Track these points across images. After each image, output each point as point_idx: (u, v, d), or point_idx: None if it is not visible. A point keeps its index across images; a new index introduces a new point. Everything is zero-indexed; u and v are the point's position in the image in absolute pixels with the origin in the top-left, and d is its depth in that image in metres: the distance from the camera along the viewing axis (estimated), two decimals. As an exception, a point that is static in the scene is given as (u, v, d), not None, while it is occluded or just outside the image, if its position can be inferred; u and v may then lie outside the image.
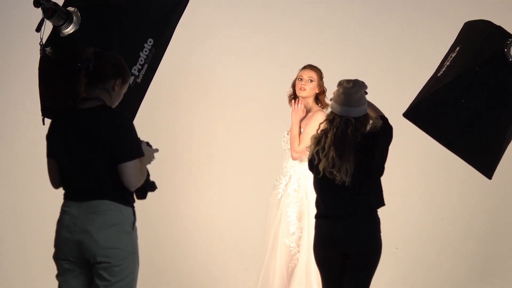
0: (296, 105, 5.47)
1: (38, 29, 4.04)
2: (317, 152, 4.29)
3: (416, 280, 6.88)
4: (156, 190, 3.86)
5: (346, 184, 4.21)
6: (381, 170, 4.34)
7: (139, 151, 3.70)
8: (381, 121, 4.32)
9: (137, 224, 3.79)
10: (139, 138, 3.75)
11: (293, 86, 5.61)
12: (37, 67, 4.23)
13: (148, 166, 3.84)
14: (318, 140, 4.32)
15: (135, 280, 3.75)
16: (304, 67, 5.58)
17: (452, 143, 4.43)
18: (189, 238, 6.98)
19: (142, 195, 3.84)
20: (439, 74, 4.48)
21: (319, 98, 5.57)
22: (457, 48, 4.50)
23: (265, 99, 6.89)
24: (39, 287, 6.55)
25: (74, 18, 4.10)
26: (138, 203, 3.82)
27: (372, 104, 4.45)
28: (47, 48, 4.15)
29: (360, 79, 4.35)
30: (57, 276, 3.78)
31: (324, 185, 4.32)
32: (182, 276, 6.89)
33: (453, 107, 4.33)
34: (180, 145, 7.02)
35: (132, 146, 3.67)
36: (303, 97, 5.51)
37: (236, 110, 7.02)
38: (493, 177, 4.47)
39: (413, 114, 4.47)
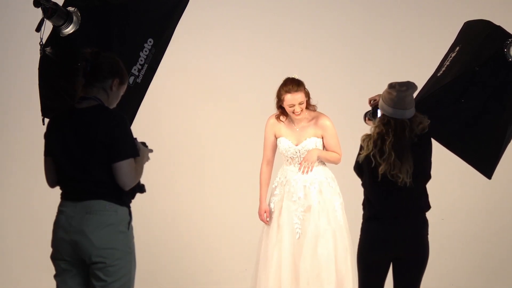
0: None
1: (38, 29, 4.03)
2: (374, 155, 4.22)
3: (416, 280, 6.88)
4: (145, 192, 3.85)
5: (408, 185, 4.18)
6: (430, 171, 4.32)
7: (134, 150, 3.70)
8: (428, 120, 4.25)
9: (135, 224, 3.79)
10: (134, 138, 3.75)
11: (279, 104, 5.43)
12: (37, 67, 4.23)
13: (146, 166, 3.84)
14: (374, 143, 4.23)
15: (131, 280, 3.74)
16: (289, 91, 5.31)
17: (452, 143, 4.43)
18: (188, 238, 6.97)
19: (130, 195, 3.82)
20: (438, 74, 4.48)
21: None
22: (457, 48, 4.49)
23: (265, 99, 6.86)
24: (39, 287, 6.55)
25: (74, 18, 4.10)
26: (135, 203, 3.81)
27: None
28: (47, 48, 4.15)
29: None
30: (55, 276, 3.78)
31: (381, 187, 4.24)
32: (181, 276, 6.89)
33: (453, 107, 4.33)
34: (180, 145, 7.01)
35: (127, 145, 3.67)
36: (300, 119, 5.40)
37: (236, 109, 7.01)
38: (493, 177, 4.47)
39: (413, 114, 4.46)
